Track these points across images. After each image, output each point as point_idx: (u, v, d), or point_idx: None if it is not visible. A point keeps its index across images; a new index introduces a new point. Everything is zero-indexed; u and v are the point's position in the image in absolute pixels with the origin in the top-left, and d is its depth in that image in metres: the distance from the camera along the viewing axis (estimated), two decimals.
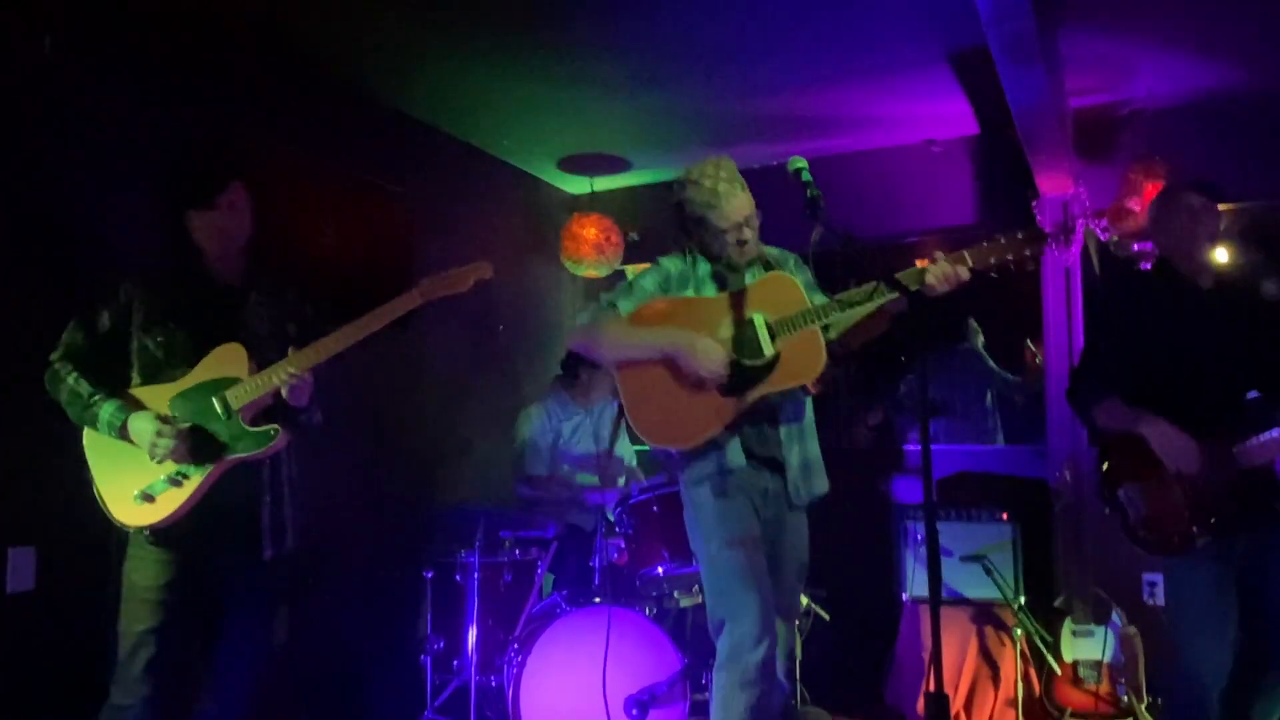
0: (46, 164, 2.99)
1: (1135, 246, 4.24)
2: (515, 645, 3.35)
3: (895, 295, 2.27)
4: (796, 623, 2.69)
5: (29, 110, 2.96)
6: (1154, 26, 3.62)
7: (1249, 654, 2.57)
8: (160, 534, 2.36)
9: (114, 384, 2.41)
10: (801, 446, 2.53)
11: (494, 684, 3.45)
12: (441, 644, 3.62)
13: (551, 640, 3.23)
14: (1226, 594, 2.56)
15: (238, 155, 3.70)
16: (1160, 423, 2.58)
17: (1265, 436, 2.49)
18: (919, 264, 2.32)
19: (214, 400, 2.38)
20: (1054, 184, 4.34)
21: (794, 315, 2.38)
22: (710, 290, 2.52)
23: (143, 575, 2.35)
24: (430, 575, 3.69)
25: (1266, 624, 2.57)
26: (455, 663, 3.61)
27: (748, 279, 2.53)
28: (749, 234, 2.48)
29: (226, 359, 2.41)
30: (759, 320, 2.39)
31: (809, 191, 2.22)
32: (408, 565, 3.88)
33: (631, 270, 4.89)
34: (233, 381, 2.39)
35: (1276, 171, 4.11)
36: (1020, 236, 2.29)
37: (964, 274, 2.29)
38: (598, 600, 3.33)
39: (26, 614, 2.86)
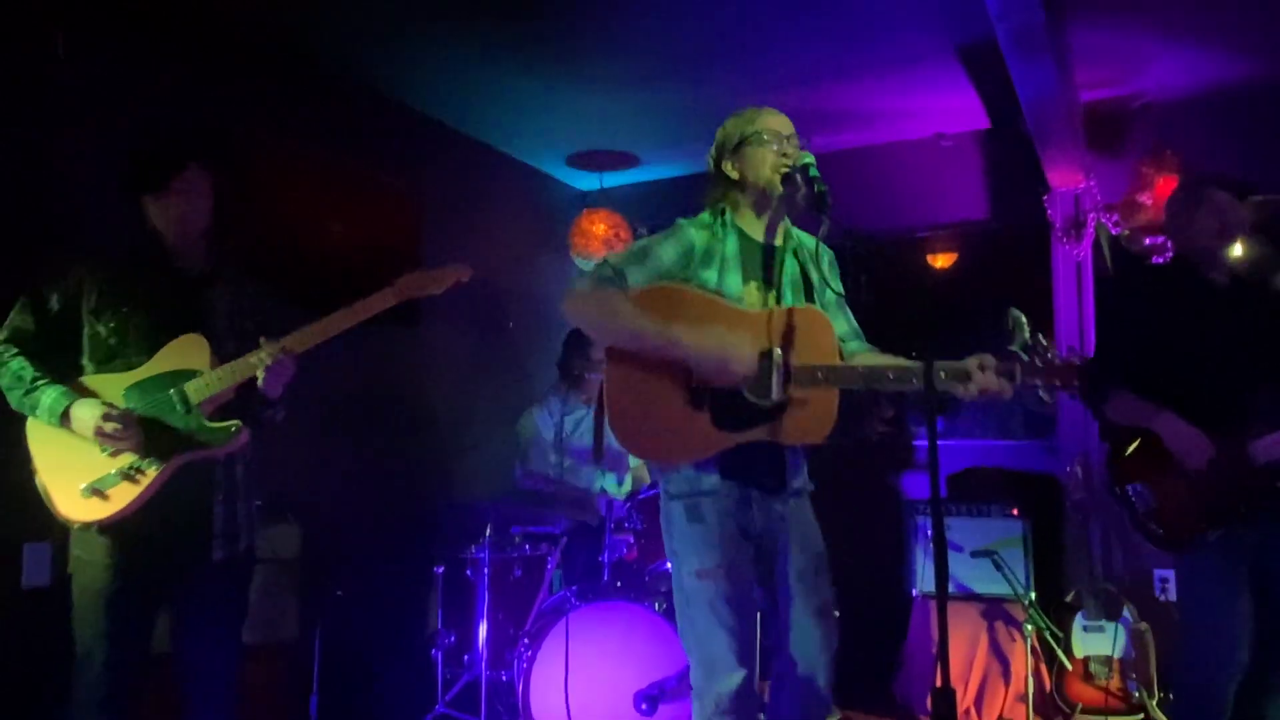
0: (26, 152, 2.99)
1: (1147, 240, 4.21)
2: (525, 640, 3.36)
3: (921, 386, 2.08)
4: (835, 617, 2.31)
5: (30, 103, 2.99)
6: (1165, 18, 3.60)
7: (1262, 648, 2.55)
8: (108, 530, 2.23)
9: (64, 371, 2.28)
10: (797, 476, 2.31)
11: (504, 678, 3.47)
12: (452, 639, 3.64)
13: (561, 635, 3.24)
14: (1238, 588, 2.54)
15: (244, 149, 3.72)
16: (1173, 418, 2.56)
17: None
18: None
19: (172, 392, 2.26)
20: (1065, 178, 4.33)
21: (819, 368, 2.14)
22: (734, 276, 2.25)
23: (91, 578, 2.23)
24: (441, 571, 3.72)
25: (1278, 618, 2.56)
26: (466, 657, 3.63)
27: (785, 274, 2.31)
28: (795, 154, 2.25)
29: (187, 350, 2.30)
30: (777, 357, 2.15)
31: (815, 187, 2.17)
32: (418, 561, 3.90)
33: None
34: (193, 374, 2.28)
35: None
36: (1079, 364, 2.09)
37: (1007, 392, 2.09)
38: (592, 600, 3.34)
39: (42, 609, 2.89)
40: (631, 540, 3.60)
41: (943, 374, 2.09)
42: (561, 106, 4.41)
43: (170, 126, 2.69)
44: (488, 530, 3.55)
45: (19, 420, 2.34)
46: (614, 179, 5.39)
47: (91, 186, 3.04)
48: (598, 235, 4.90)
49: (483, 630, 3.51)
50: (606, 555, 3.49)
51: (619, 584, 3.43)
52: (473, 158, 4.86)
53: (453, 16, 3.52)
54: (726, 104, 2.41)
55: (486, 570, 3.52)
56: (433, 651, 3.64)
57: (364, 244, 4.11)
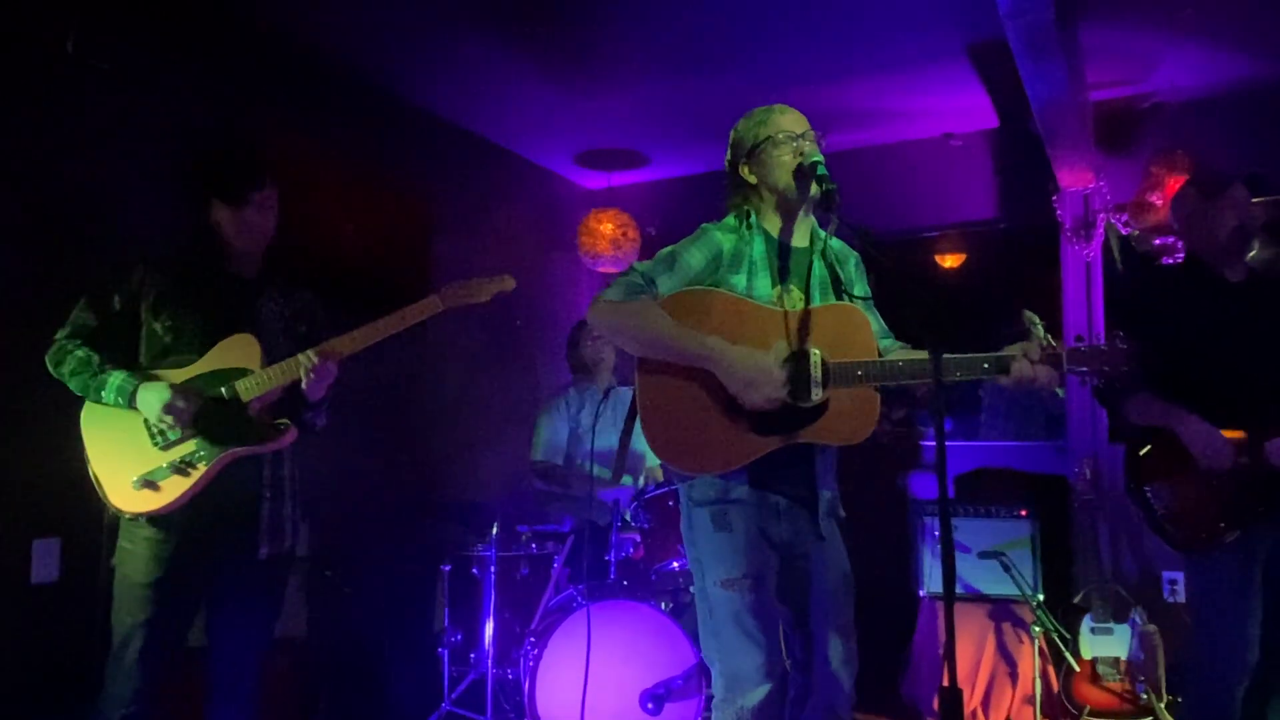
0: (65, 155, 3.01)
1: (1157, 241, 4.20)
2: (531, 639, 3.36)
3: (962, 379, 2.10)
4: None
5: (49, 101, 3.00)
6: (1176, 17, 3.58)
7: (1271, 652, 2.54)
8: (156, 522, 2.30)
9: (120, 365, 2.35)
10: (829, 486, 2.29)
11: (510, 677, 3.47)
12: (459, 637, 3.65)
13: (567, 634, 3.25)
14: (1250, 590, 2.54)
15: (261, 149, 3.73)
16: (1193, 419, 2.55)
17: None
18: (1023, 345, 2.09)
19: (223, 390, 2.34)
20: (1074, 178, 4.31)
21: (858, 366, 2.12)
22: (763, 279, 2.22)
23: (135, 568, 2.30)
24: (448, 569, 3.72)
25: None
26: (472, 655, 3.64)
27: (814, 275, 2.28)
28: (811, 153, 2.21)
29: (237, 349, 2.37)
30: (816, 358, 2.12)
31: (823, 185, 2.16)
32: (425, 559, 3.91)
33: None
34: (243, 372, 2.35)
35: None
36: (1127, 348, 2.09)
37: (1054, 383, 2.09)
38: (608, 598, 3.34)
39: (51, 605, 2.90)
40: (638, 539, 3.60)
41: (985, 365, 2.09)
42: (570, 105, 4.41)
43: (248, 137, 2.76)
44: (494, 528, 3.56)
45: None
46: (622, 178, 5.39)
47: (137, 185, 3.08)
48: (605, 235, 4.90)
49: (489, 628, 3.51)
50: (613, 554, 3.49)
51: (625, 583, 3.43)
52: (481, 156, 4.86)
53: (462, 16, 3.53)
54: (736, 103, 2.40)
55: (493, 568, 3.52)
56: (439, 649, 3.65)
57: (372, 243, 4.11)
